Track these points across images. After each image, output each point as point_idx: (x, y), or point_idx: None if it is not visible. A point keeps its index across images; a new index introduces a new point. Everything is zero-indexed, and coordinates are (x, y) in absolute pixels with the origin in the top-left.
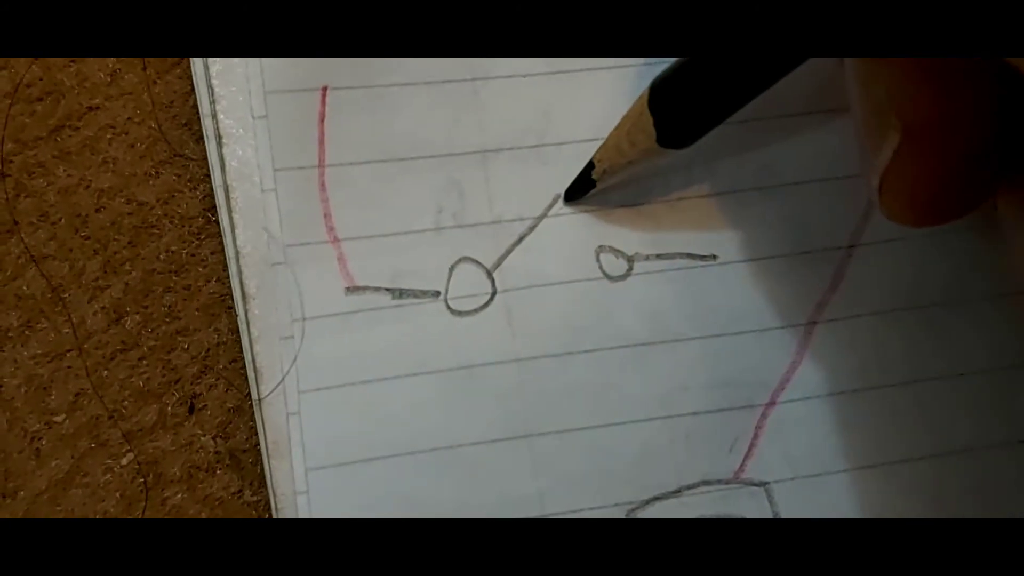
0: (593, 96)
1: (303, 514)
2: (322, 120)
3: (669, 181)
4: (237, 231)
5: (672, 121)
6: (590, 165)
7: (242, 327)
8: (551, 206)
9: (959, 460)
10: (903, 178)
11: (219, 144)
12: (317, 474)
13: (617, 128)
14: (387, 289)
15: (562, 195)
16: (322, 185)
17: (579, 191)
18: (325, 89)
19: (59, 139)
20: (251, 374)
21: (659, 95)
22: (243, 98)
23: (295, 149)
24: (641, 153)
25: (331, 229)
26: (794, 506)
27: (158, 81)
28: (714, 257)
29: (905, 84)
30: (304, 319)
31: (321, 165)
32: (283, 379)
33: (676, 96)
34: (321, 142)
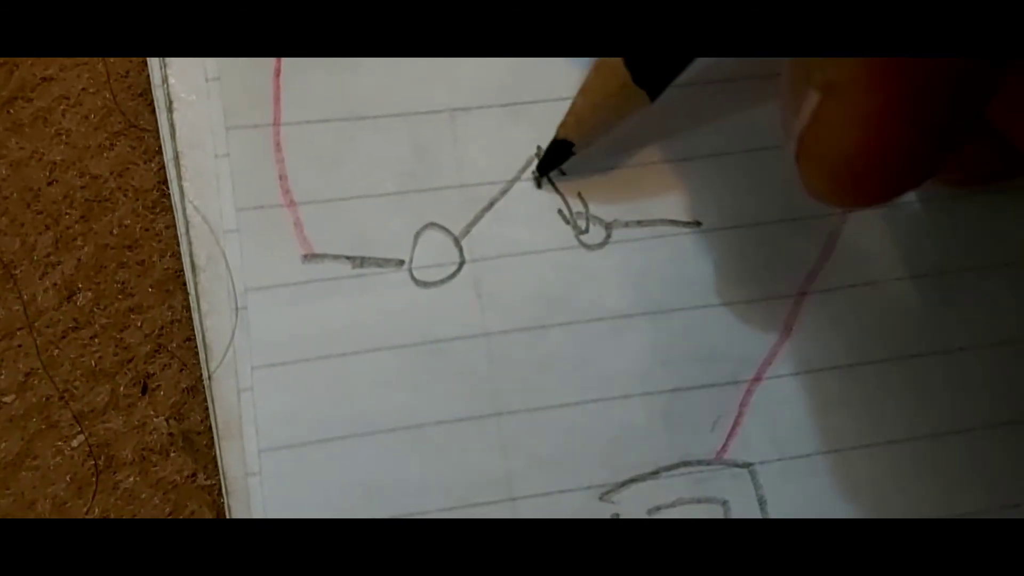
0: None
1: (255, 497)
2: (277, 75)
3: (650, 143)
4: (187, 199)
5: (646, 57)
6: (556, 135)
7: (193, 302)
8: (524, 169)
9: (957, 440)
10: (821, 143)
11: (170, 111)
12: (270, 455)
13: (585, 84)
14: (347, 257)
15: (535, 164)
16: (277, 145)
17: (553, 161)
18: None
19: (12, 111)
20: (202, 351)
21: None
22: (196, 60)
23: (248, 106)
24: (615, 100)
25: (287, 192)
26: (779, 488)
27: None
28: (698, 224)
29: None
30: (257, 289)
31: (276, 123)
32: (230, 347)
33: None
34: (276, 99)
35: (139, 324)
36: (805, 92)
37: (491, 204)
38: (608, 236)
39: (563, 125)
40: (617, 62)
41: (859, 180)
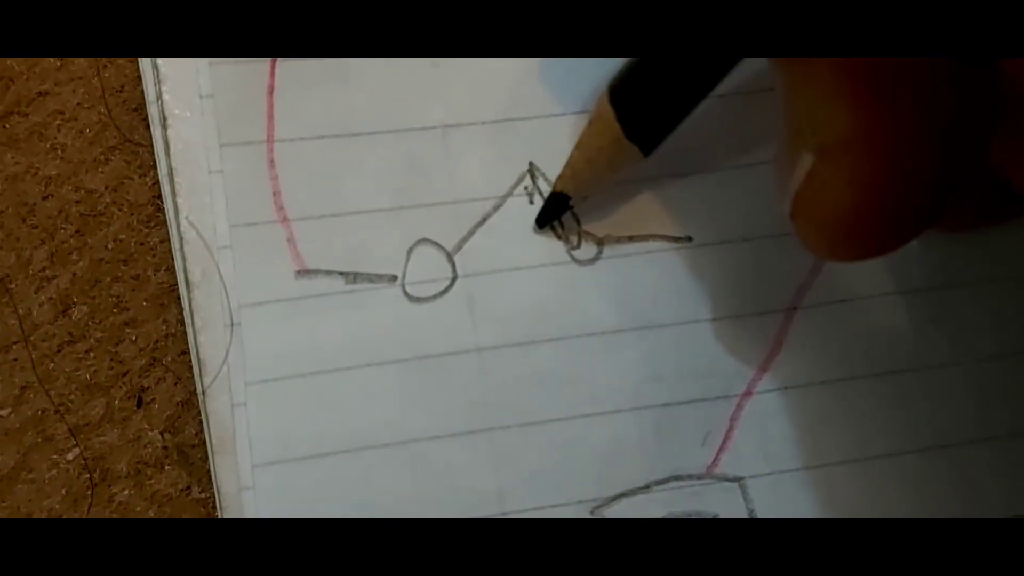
0: (561, 67)
1: (248, 512)
2: (271, 92)
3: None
4: (182, 215)
5: (637, 114)
6: (554, 187)
7: (187, 318)
8: (516, 184)
9: (947, 455)
10: (816, 205)
11: (164, 127)
12: (264, 470)
13: (580, 139)
14: (340, 273)
15: (527, 180)
16: (271, 161)
17: (551, 214)
18: (274, 60)
19: (7, 126)
20: (196, 367)
21: (619, 90)
22: (190, 77)
23: (242, 123)
24: (608, 155)
25: (280, 208)
26: (770, 503)
27: (108, 65)
28: (689, 239)
29: (824, 101)
30: (251, 304)
31: (270, 140)
32: (224, 363)
33: (638, 90)
34: (270, 116)
35: (134, 338)
36: (799, 154)
37: (484, 220)
38: (600, 251)
39: (560, 178)
40: (610, 117)
41: (856, 239)
